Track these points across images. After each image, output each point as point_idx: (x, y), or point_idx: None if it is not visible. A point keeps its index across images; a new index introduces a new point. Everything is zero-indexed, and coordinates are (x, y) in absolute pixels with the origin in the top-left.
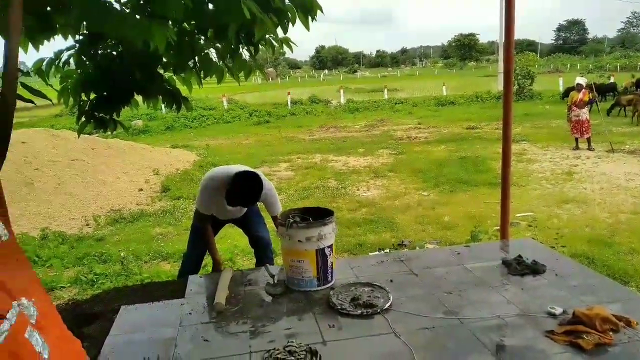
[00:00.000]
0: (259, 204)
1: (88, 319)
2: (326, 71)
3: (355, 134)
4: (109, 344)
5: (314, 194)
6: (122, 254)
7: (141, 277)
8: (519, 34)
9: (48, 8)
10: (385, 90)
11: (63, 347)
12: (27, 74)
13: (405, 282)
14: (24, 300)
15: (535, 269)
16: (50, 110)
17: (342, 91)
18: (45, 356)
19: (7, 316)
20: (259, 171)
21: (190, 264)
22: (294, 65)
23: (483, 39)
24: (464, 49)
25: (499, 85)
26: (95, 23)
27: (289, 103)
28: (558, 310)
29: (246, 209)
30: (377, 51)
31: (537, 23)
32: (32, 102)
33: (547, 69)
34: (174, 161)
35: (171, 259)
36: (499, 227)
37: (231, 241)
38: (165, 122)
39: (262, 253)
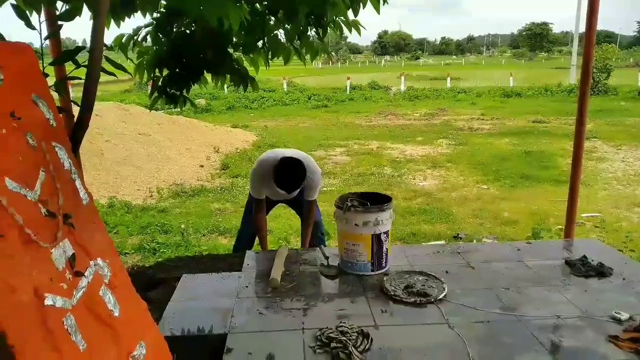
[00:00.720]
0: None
1: (152, 284)
2: (387, 57)
3: (414, 122)
4: (170, 309)
5: (369, 180)
6: (182, 226)
7: (199, 249)
8: (598, 24)
9: None
10: (449, 78)
11: (131, 307)
12: (110, 48)
13: (462, 274)
14: (99, 261)
15: (601, 272)
16: (121, 86)
17: (403, 78)
18: (116, 314)
19: (85, 274)
20: (309, 156)
21: (245, 239)
22: (355, 49)
23: (557, 29)
24: (535, 39)
25: (571, 78)
26: (176, 0)
27: (348, 88)
28: (624, 316)
29: (297, 191)
30: (442, 38)
31: (618, 13)
32: (114, 75)
33: (626, 63)
34: (233, 140)
35: (228, 234)
36: (562, 227)
37: (286, 221)
38: (227, 102)
39: (313, 234)
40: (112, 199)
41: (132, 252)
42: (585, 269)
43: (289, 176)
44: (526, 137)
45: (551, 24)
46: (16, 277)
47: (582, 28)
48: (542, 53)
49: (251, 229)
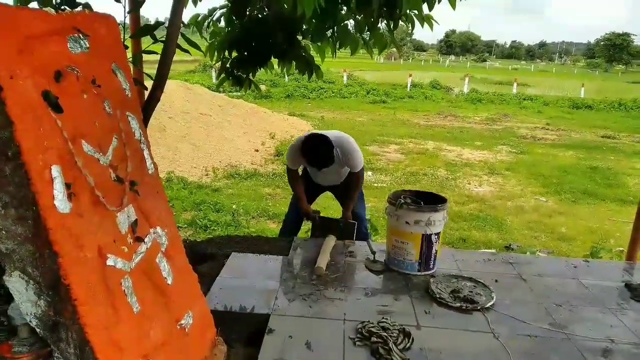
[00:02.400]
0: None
1: (202, 258)
2: (452, 57)
3: (474, 126)
4: (218, 284)
5: (421, 180)
6: (234, 207)
7: (249, 231)
8: None
9: None
10: (515, 84)
11: (183, 277)
12: (186, 26)
13: (512, 285)
14: (159, 229)
15: None
16: (186, 66)
17: (467, 79)
18: (169, 282)
19: (145, 240)
20: (349, 138)
21: (291, 223)
22: (420, 47)
23: (638, 41)
24: (614, 50)
25: None
26: None
27: (409, 85)
28: None
29: (343, 177)
30: (513, 42)
31: None
32: (188, 52)
33: None
34: (289, 128)
35: (276, 219)
36: (623, 249)
37: (333, 212)
38: (286, 90)
39: (358, 229)
40: (169, 174)
41: (185, 227)
42: None
43: (313, 153)
44: (593, 152)
45: (634, 35)
46: (84, 236)
47: None
48: (620, 65)
49: (297, 216)
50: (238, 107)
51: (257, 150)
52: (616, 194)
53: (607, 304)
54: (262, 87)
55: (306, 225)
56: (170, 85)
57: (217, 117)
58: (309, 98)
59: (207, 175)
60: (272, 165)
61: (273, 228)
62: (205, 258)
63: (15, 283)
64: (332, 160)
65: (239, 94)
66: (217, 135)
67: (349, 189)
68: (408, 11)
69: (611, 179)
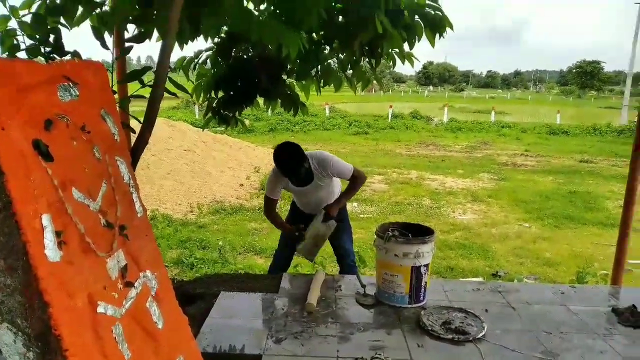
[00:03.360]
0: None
1: (191, 299)
2: (431, 87)
3: (455, 154)
4: (208, 325)
5: (406, 210)
6: (220, 243)
7: (235, 267)
8: None
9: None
10: (493, 112)
11: (174, 321)
12: (173, 69)
13: (502, 314)
14: (148, 273)
15: None
16: (169, 103)
17: (446, 109)
18: (160, 326)
19: (135, 285)
20: (332, 155)
21: (281, 260)
22: (399, 79)
23: (608, 67)
24: (586, 77)
25: (622, 119)
26: (239, 26)
27: (390, 116)
28: None
29: (332, 198)
30: (488, 71)
31: None
32: (175, 95)
33: None
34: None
35: (263, 254)
36: (607, 272)
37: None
38: (270, 124)
39: (344, 260)
40: (154, 212)
41: (171, 265)
42: (635, 319)
43: (285, 157)
44: (572, 177)
45: (603, 62)
46: (74, 284)
47: (637, 68)
48: (592, 92)
49: (287, 252)
50: (222, 143)
51: (242, 185)
52: (597, 218)
53: (595, 330)
54: (246, 122)
55: (296, 260)
56: None
57: (201, 153)
58: (292, 131)
59: (192, 211)
60: (258, 200)
61: (261, 263)
62: (194, 298)
63: (3, 335)
64: (311, 175)
65: (222, 129)
66: (202, 171)
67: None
68: (390, 50)
69: (591, 203)
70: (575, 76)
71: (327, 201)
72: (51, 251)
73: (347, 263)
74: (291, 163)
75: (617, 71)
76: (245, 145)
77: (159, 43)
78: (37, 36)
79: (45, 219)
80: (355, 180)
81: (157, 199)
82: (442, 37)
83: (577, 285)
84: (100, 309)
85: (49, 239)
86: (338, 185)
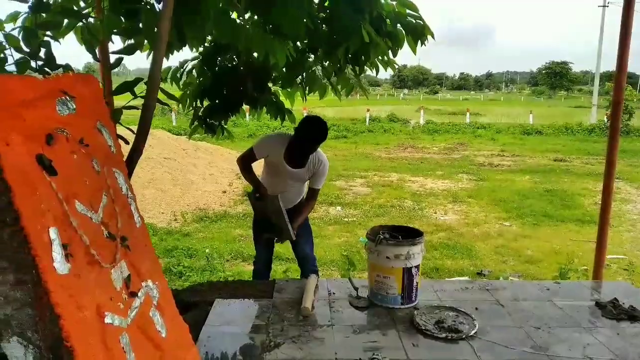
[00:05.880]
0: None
1: (186, 307)
2: (406, 90)
3: (434, 156)
4: (205, 332)
5: (390, 212)
6: (207, 251)
7: (224, 275)
8: (612, 64)
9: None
10: (468, 113)
11: (175, 329)
12: (163, 80)
13: (491, 311)
14: (149, 282)
15: (633, 315)
16: None
17: (422, 111)
18: (163, 335)
19: (138, 294)
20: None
21: (260, 265)
22: (374, 82)
23: (576, 68)
24: (555, 77)
25: (592, 118)
26: (226, 36)
27: (367, 119)
28: None
29: (299, 197)
30: (461, 73)
31: (636, 53)
32: (167, 105)
33: None
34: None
35: (251, 260)
36: (587, 268)
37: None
38: (248, 129)
39: (306, 266)
40: None
41: None
42: (617, 311)
43: (316, 127)
44: (547, 175)
45: (571, 63)
46: (83, 295)
47: (603, 67)
48: (562, 92)
49: (265, 254)
50: (202, 150)
51: (224, 192)
52: (574, 215)
53: (581, 324)
54: None
55: (282, 265)
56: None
57: (182, 160)
58: None
59: (175, 220)
60: (242, 206)
61: (249, 270)
62: (189, 306)
63: (14, 349)
64: (305, 162)
65: (200, 136)
66: (183, 179)
67: (302, 205)
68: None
69: (567, 201)
70: (545, 77)
71: (292, 194)
72: (60, 264)
73: (308, 268)
74: (318, 135)
75: (584, 71)
76: (225, 151)
77: (143, 54)
78: (28, 50)
79: (53, 233)
80: (315, 197)
81: (140, 209)
82: (423, 45)
83: (561, 282)
84: (107, 320)
85: (57, 252)
86: (305, 191)
